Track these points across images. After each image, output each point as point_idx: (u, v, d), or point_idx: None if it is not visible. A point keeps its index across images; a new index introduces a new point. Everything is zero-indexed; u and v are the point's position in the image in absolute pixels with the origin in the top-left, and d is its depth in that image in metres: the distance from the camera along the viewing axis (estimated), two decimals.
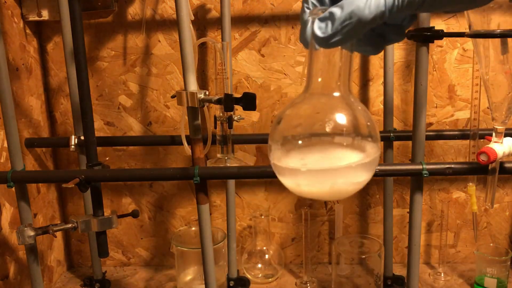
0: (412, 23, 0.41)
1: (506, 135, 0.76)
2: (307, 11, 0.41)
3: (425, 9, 0.37)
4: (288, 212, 1.18)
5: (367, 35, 0.40)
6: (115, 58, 1.10)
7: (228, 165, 0.91)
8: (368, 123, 0.41)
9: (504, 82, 0.70)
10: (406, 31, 0.40)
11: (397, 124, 1.10)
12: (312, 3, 0.41)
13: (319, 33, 0.38)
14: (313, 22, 0.38)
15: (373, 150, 0.41)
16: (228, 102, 0.77)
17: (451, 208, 1.15)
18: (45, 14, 1.04)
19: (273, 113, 1.12)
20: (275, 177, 0.44)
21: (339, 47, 0.40)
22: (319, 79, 0.41)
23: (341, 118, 0.40)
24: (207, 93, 0.78)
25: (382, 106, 1.07)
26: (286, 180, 0.43)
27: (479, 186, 1.09)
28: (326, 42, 0.38)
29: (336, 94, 0.41)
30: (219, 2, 0.99)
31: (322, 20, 0.38)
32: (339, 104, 0.41)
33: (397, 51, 1.07)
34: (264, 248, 1.13)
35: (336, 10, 0.37)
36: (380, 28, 0.40)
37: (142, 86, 1.11)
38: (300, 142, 0.41)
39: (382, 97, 1.05)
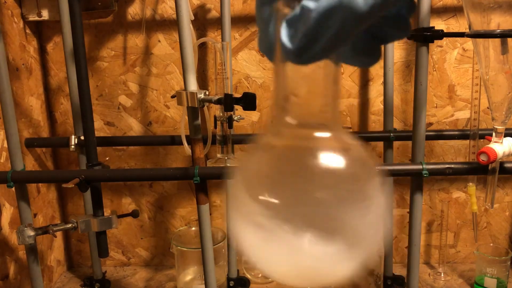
0: (412, 12, 0.27)
1: (506, 135, 0.76)
2: (267, 8, 0.27)
3: None
4: None
5: (358, 39, 0.27)
6: (115, 58, 1.10)
7: (228, 165, 0.91)
8: (373, 171, 0.28)
9: (504, 82, 0.70)
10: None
11: (397, 124, 1.10)
12: None
13: (288, 43, 0.25)
14: (278, 23, 0.26)
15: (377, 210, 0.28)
16: (228, 102, 0.77)
17: (451, 208, 1.15)
18: (45, 14, 1.04)
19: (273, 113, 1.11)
20: None
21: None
22: (293, 109, 0.28)
23: (340, 171, 0.27)
24: (207, 93, 0.78)
25: (382, 106, 1.07)
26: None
27: (479, 186, 1.09)
28: (299, 56, 0.25)
29: (323, 129, 0.28)
30: (219, 2, 0.99)
31: (291, 22, 0.25)
32: (331, 147, 0.28)
33: (397, 51, 1.07)
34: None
35: (310, 4, 0.23)
36: (375, 24, 0.26)
37: (142, 86, 1.11)
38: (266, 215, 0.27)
39: (382, 97, 1.05)
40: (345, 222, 0.26)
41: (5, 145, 0.87)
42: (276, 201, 0.27)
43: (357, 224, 0.27)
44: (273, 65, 0.28)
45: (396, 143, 1.09)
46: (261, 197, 0.27)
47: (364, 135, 1.11)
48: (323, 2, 0.23)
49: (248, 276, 1.12)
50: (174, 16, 0.93)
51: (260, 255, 0.29)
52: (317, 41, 0.24)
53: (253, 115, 1.12)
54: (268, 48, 0.28)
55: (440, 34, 0.81)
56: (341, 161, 0.27)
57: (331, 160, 0.27)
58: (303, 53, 0.25)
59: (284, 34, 0.25)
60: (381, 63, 1.07)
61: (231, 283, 1.08)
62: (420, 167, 0.82)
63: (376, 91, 1.10)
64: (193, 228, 1.12)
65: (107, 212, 0.85)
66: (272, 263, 0.29)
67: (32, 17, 1.04)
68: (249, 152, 0.30)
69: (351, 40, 0.25)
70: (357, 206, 0.27)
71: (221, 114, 0.91)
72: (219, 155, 0.93)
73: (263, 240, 0.27)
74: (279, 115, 0.29)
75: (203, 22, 1.07)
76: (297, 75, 0.28)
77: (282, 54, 0.26)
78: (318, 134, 0.28)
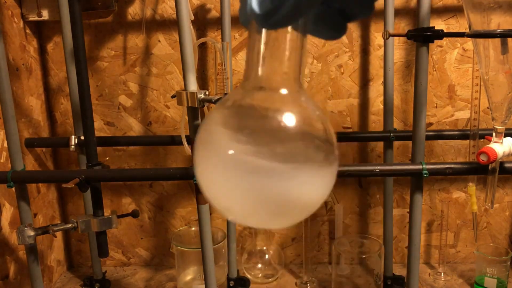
0: None
1: (506, 135, 0.76)
2: None
3: None
4: None
5: (324, 13, 0.31)
6: (115, 58, 1.10)
7: None
8: (325, 128, 0.32)
9: (504, 82, 0.70)
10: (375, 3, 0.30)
11: (397, 124, 1.10)
12: None
13: (256, 8, 0.28)
14: None
15: (330, 165, 0.32)
16: None
17: (451, 208, 1.15)
18: (45, 14, 1.04)
19: None
20: None
21: (289, 27, 0.30)
22: (260, 71, 0.32)
23: (290, 122, 0.30)
24: (207, 93, 0.78)
25: (382, 106, 1.07)
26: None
27: (479, 186, 1.09)
28: (267, 20, 0.28)
29: (283, 91, 0.32)
30: (219, 2, 0.99)
31: None
32: (286, 104, 0.32)
33: (397, 51, 1.07)
34: (264, 248, 1.13)
35: None
36: (341, 1, 0.30)
37: (142, 86, 1.11)
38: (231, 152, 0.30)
39: (382, 97, 1.05)
40: (285, 179, 0.30)
41: (5, 145, 0.87)
42: (233, 151, 0.30)
43: (296, 183, 0.30)
44: (248, 32, 0.32)
45: (396, 143, 1.09)
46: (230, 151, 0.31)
47: (364, 135, 1.11)
48: None
49: (248, 276, 1.12)
50: (174, 16, 0.93)
51: (222, 193, 0.32)
52: (282, 7, 0.27)
53: None
54: (246, 18, 0.31)
55: (440, 34, 0.81)
56: (292, 120, 0.31)
57: (283, 118, 0.31)
58: (269, 18, 0.28)
59: (254, 1, 0.28)
60: (381, 63, 1.07)
61: (231, 283, 1.08)
62: (420, 167, 0.82)
63: (376, 91, 1.10)
64: (193, 228, 1.12)
65: (107, 212, 0.85)
66: (233, 201, 0.32)
67: (32, 17, 1.04)
68: (217, 107, 0.33)
69: (313, 9, 0.29)
70: (299, 165, 0.30)
71: None
72: None
73: (226, 180, 0.31)
74: (248, 78, 0.32)
75: (203, 22, 1.07)
76: (266, 41, 0.31)
77: (252, 19, 0.29)
78: (277, 95, 0.32)
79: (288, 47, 0.31)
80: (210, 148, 0.32)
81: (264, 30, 0.30)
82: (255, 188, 0.30)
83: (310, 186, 0.31)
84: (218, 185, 0.32)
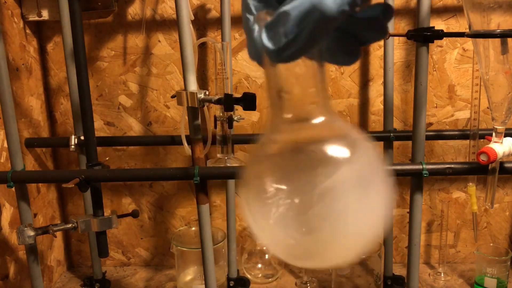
0: (389, 18, 0.30)
1: (506, 135, 0.76)
2: (251, 17, 0.30)
3: None
4: None
5: (336, 39, 0.30)
6: (115, 58, 1.10)
7: (228, 165, 0.91)
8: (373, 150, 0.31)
9: (504, 82, 0.70)
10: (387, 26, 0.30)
11: (397, 124, 1.10)
12: (255, 6, 0.31)
13: (269, 45, 0.28)
14: (260, 30, 0.29)
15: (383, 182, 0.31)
16: (228, 102, 0.77)
17: (451, 208, 1.15)
18: (45, 14, 1.04)
19: None
20: None
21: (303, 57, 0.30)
22: (287, 104, 0.31)
23: (337, 150, 0.29)
24: (207, 93, 0.78)
25: (382, 106, 1.07)
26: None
27: (479, 186, 1.09)
28: (281, 55, 0.28)
29: (318, 119, 0.31)
30: (219, 2, 0.99)
31: (271, 26, 0.28)
32: (325, 131, 0.31)
33: (397, 51, 1.07)
34: (264, 248, 1.13)
35: (287, 8, 0.27)
36: (353, 26, 0.30)
37: (142, 86, 1.11)
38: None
39: (382, 97, 1.05)
40: (345, 206, 0.29)
41: (5, 145, 0.87)
42: (285, 187, 0.29)
43: (357, 208, 0.29)
44: (263, 69, 0.31)
45: (396, 143, 1.09)
46: (274, 185, 0.30)
47: None
48: (299, 6, 0.26)
49: (248, 276, 1.12)
50: (174, 16, 0.93)
51: (270, 235, 0.31)
52: (295, 40, 0.27)
53: (253, 115, 1.12)
54: (256, 54, 0.31)
55: (440, 34, 0.81)
56: (340, 148, 0.30)
57: (330, 148, 0.30)
58: (283, 52, 0.28)
59: (264, 37, 0.28)
60: (381, 63, 1.07)
61: (231, 283, 1.08)
62: (420, 167, 0.82)
63: (376, 91, 1.10)
64: (193, 228, 1.12)
65: (107, 212, 0.85)
66: (281, 243, 0.31)
67: (32, 17, 1.04)
68: (254, 151, 0.33)
69: (325, 39, 0.28)
70: (356, 190, 0.29)
71: (221, 114, 0.91)
72: (219, 155, 0.93)
73: (273, 222, 0.30)
74: (275, 113, 0.31)
75: (203, 22, 1.07)
76: (284, 74, 0.31)
77: (267, 56, 0.29)
78: (314, 123, 0.31)
79: (308, 75, 0.31)
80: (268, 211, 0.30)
81: (280, 64, 0.30)
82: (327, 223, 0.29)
83: (375, 210, 0.30)
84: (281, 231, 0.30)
